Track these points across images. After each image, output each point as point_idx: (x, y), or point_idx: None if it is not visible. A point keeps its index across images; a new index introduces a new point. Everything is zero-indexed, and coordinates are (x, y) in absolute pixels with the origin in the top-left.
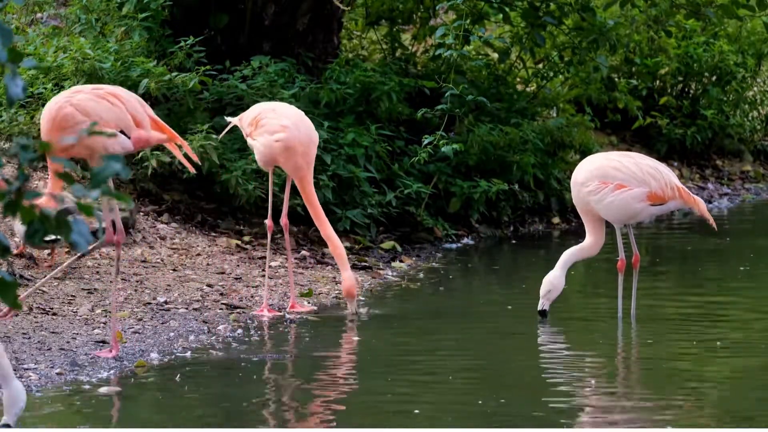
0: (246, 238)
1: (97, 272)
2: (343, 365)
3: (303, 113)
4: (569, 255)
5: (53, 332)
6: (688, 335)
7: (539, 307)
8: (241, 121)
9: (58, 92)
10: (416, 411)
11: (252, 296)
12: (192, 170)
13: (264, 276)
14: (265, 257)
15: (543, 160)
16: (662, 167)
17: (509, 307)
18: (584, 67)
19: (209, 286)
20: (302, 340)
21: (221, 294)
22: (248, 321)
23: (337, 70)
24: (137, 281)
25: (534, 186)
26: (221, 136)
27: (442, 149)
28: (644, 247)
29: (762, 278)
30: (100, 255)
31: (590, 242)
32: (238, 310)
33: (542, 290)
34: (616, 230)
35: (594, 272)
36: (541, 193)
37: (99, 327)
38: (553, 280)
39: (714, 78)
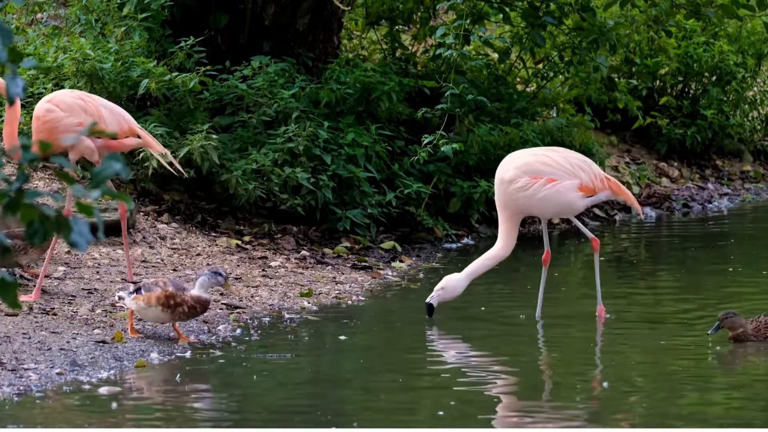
0: (246, 238)
1: (97, 272)
2: (343, 365)
3: None
4: (478, 266)
5: (53, 332)
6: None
7: (427, 300)
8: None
9: None
10: (416, 411)
11: (252, 296)
12: (183, 173)
13: (264, 276)
14: (265, 257)
15: None
16: (588, 160)
17: (509, 307)
18: (584, 67)
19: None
20: (302, 340)
21: (221, 294)
22: (248, 321)
23: (337, 70)
24: (137, 281)
25: None
26: None
27: (442, 149)
28: (644, 246)
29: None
30: (101, 255)
31: (500, 246)
32: (238, 310)
33: (437, 285)
34: (543, 224)
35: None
36: None
37: (99, 327)
38: (452, 282)
39: (714, 78)
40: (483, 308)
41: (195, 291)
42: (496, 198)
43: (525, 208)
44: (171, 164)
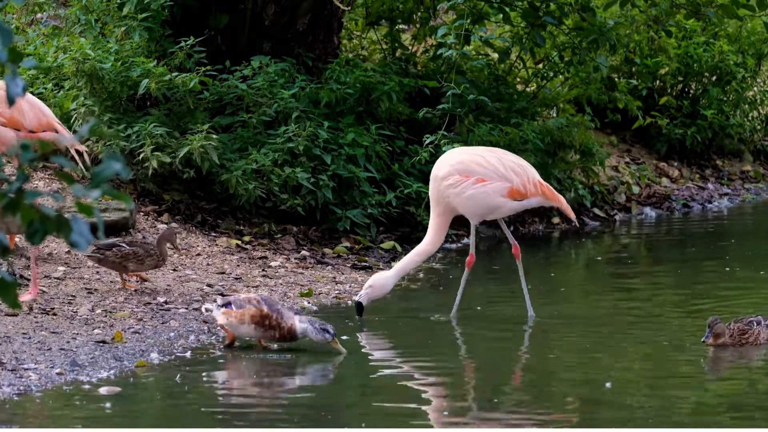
0: (246, 238)
1: (97, 272)
2: (343, 365)
3: None
4: (407, 263)
5: (53, 332)
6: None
7: (356, 298)
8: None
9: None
10: (416, 410)
11: None
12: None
13: (264, 276)
14: (265, 257)
15: (543, 160)
16: (525, 163)
17: (509, 307)
18: (584, 67)
19: (209, 286)
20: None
21: (221, 294)
22: None
23: (337, 70)
24: (137, 281)
25: None
26: None
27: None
28: (643, 246)
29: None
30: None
31: (428, 242)
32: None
33: (366, 283)
34: (471, 227)
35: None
36: None
37: (99, 327)
38: (380, 280)
39: (714, 78)
40: (479, 308)
41: (297, 324)
42: (430, 193)
43: (454, 206)
44: (84, 161)
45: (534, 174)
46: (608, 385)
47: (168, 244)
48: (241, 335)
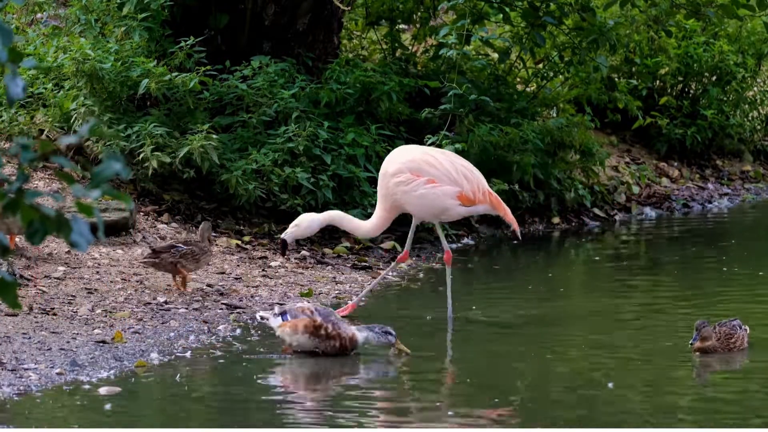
0: (246, 238)
1: (97, 272)
2: (343, 365)
3: None
4: (342, 219)
5: (53, 332)
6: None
7: (282, 235)
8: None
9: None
10: (416, 410)
11: (252, 296)
12: None
13: (264, 276)
14: (265, 257)
15: (543, 160)
16: (475, 170)
17: (509, 306)
18: (584, 67)
19: (209, 286)
20: None
21: (221, 294)
22: (248, 321)
23: (337, 70)
24: (137, 281)
25: (534, 186)
26: None
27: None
28: (643, 246)
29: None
30: (101, 255)
31: (370, 225)
32: (238, 310)
33: (293, 222)
34: (412, 225)
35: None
36: (541, 193)
37: (99, 327)
38: (306, 221)
39: (714, 78)
40: (474, 307)
41: (358, 334)
42: (378, 187)
43: (402, 203)
44: None
45: (483, 182)
46: (610, 385)
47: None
48: (298, 346)
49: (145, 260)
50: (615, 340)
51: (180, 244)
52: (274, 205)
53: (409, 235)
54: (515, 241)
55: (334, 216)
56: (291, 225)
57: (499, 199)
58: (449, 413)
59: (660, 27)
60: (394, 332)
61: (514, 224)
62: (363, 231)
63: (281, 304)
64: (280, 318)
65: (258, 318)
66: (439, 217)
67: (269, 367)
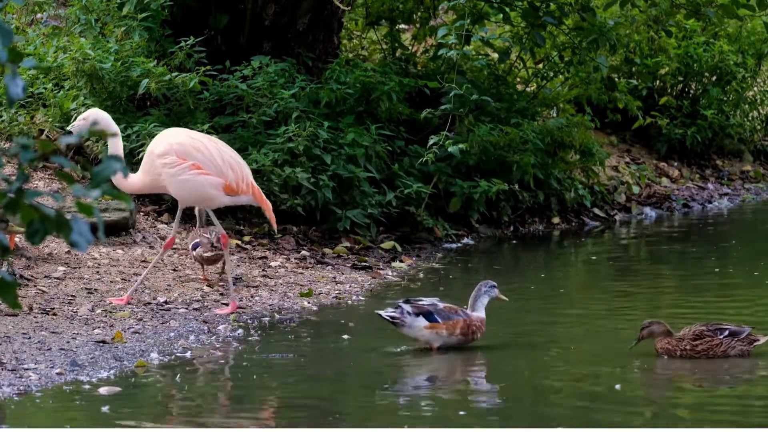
0: (246, 238)
1: (97, 272)
2: (343, 364)
3: None
4: (115, 146)
5: (53, 332)
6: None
7: (68, 128)
8: None
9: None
10: (416, 410)
11: (252, 296)
12: None
13: (264, 276)
14: (265, 257)
15: (543, 160)
16: (242, 161)
17: (509, 305)
18: (584, 67)
19: (209, 286)
20: (302, 340)
21: (221, 294)
22: (248, 321)
23: (337, 70)
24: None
25: (534, 186)
26: None
27: (449, 149)
28: (643, 246)
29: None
30: (100, 255)
31: (134, 178)
32: (238, 310)
33: (85, 114)
34: (178, 211)
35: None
36: (541, 193)
37: (99, 327)
38: (94, 115)
39: (714, 78)
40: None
41: (477, 314)
42: (143, 164)
43: (165, 184)
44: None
45: (248, 173)
46: (618, 387)
47: None
48: (443, 344)
49: (210, 256)
50: (615, 340)
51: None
52: (274, 205)
53: (176, 220)
54: (514, 241)
55: (115, 145)
56: (80, 116)
57: (262, 194)
58: (459, 414)
59: (660, 27)
60: (494, 282)
61: (273, 220)
62: (126, 184)
63: (411, 302)
64: (422, 319)
65: (384, 315)
66: (202, 204)
67: (270, 367)
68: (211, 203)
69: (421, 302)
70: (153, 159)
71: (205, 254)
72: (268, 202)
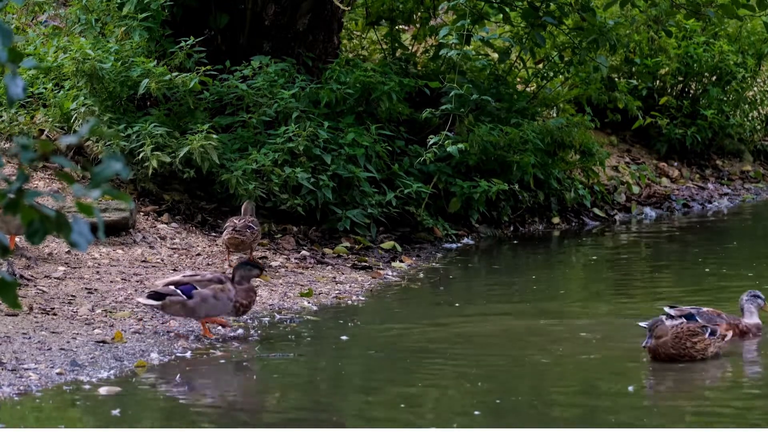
0: None
1: (97, 272)
2: (343, 364)
3: None
4: None
5: (53, 332)
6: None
7: None
8: None
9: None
10: (416, 410)
11: None
12: None
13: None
14: (265, 257)
15: (543, 160)
16: None
17: (509, 305)
18: (584, 67)
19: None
20: (302, 340)
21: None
22: (248, 321)
23: (337, 70)
24: (137, 281)
25: (534, 186)
26: None
27: (449, 149)
28: (644, 244)
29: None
30: (101, 255)
31: None
32: None
33: None
34: None
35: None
36: (541, 193)
37: (99, 327)
38: None
39: (714, 78)
40: (478, 306)
41: (750, 320)
42: None
43: None
44: None
45: None
46: (631, 388)
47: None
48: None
49: (227, 237)
50: (615, 340)
51: (252, 225)
52: (274, 205)
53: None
54: (514, 241)
55: None
56: None
57: None
58: (471, 413)
59: (660, 27)
60: (758, 293)
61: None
62: None
63: (673, 307)
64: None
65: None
66: None
67: (270, 367)
68: None
69: (706, 309)
70: None
71: (226, 236)
72: None
